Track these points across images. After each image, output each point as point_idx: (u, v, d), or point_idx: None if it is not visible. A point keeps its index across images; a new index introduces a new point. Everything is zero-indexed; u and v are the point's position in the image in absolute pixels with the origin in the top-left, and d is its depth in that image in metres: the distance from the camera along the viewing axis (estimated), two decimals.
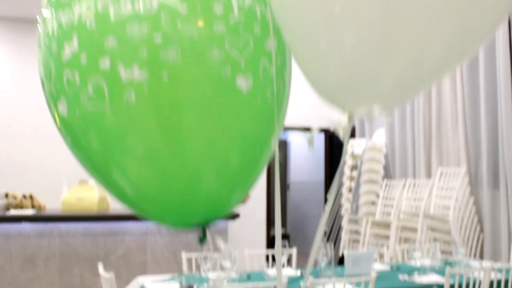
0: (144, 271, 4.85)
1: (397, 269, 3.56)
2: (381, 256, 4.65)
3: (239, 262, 3.55)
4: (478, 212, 4.98)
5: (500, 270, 3.20)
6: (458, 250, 3.57)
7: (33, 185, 5.84)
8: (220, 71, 1.14)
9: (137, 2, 1.10)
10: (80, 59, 1.13)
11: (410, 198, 5.55)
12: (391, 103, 1.21)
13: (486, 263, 3.42)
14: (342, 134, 1.17)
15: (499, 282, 3.15)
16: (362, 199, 6.01)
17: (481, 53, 4.85)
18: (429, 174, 5.62)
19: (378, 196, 5.98)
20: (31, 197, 5.13)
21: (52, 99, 1.25)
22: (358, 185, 6.09)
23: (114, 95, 1.11)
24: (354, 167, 6.31)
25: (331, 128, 1.18)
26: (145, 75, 1.10)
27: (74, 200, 5.07)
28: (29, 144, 6.30)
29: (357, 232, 6.03)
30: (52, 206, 5.33)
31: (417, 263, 3.56)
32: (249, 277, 3.27)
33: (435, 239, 4.92)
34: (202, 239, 1.37)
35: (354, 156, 6.29)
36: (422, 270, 3.40)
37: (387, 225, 5.52)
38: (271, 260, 3.79)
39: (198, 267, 3.83)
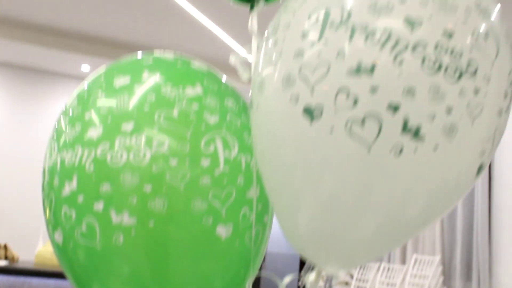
0: None
1: None
2: None
3: None
4: None
5: None
6: None
7: (9, 235, 5.80)
8: (201, 220, 1.25)
9: (131, 152, 1.21)
10: (78, 199, 1.25)
11: (383, 283, 5.60)
12: (359, 262, 1.30)
13: None
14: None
15: None
16: (335, 279, 6.04)
17: None
18: (403, 260, 5.69)
19: (352, 277, 6.02)
20: (5, 247, 5.08)
21: (51, 227, 1.36)
22: None
23: (105, 235, 1.23)
24: None
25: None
26: (134, 221, 1.21)
27: (49, 254, 5.02)
28: (9, 191, 6.29)
29: None
30: (26, 257, 5.27)
31: None
32: None
33: None
34: None
35: None
36: None
37: None
38: None
39: None
